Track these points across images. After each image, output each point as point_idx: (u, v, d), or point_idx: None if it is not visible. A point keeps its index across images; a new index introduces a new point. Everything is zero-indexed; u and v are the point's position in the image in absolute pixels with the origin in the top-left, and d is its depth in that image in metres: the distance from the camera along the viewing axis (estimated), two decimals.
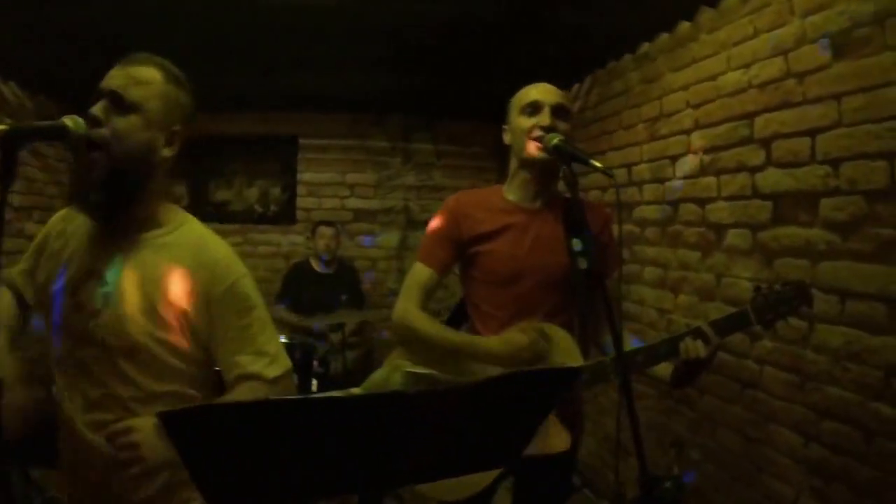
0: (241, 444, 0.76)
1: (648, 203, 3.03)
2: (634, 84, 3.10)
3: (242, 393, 1.24)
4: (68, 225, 1.33)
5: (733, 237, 2.41)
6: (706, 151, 2.56)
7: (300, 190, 5.17)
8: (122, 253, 1.24)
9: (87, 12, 2.83)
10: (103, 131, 1.15)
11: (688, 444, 2.57)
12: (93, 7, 2.77)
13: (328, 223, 4.49)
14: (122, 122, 1.17)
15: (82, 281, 1.24)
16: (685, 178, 2.70)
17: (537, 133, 1.61)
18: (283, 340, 3.59)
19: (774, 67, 2.13)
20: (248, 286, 1.29)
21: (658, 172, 2.92)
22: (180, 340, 1.24)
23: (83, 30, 3.03)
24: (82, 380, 1.22)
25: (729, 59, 2.37)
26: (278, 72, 3.90)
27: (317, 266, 4.35)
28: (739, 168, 2.36)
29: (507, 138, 1.75)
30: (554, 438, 1.53)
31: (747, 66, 2.26)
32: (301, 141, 5.14)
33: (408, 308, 1.70)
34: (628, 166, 3.19)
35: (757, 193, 2.27)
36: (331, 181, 5.19)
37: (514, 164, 1.75)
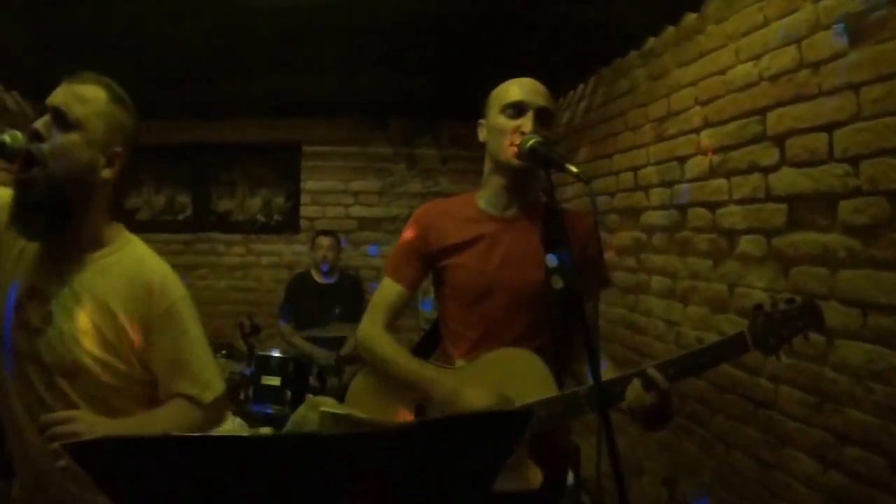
0: (145, 477, 0.72)
1: (655, 208, 2.85)
2: (641, 82, 2.93)
3: (172, 410, 1.25)
4: (25, 243, 1.30)
5: (746, 244, 2.23)
6: (716, 151, 2.38)
7: (303, 198, 5.07)
8: (66, 273, 1.23)
9: (88, 21, 2.79)
10: (44, 146, 1.15)
11: (695, 468, 2.38)
12: (94, 16, 2.73)
13: (327, 232, 4.38)
14: (63, 139, 1.16)
15: (27, 298, 1.23)
16: (693, 180, 2.52)
17: (517, 139, 1.45)
18: (277, 354, 3.48)
19: (787, 57, 1.95)
20: (185, 308, 1.28)
21: (665, 175, 2.75)
22: (120, 361, 1.23)
23: (84, 39, 2.98)
24: (27, 394, 1.22)
25: (738, 50, 2.19)
26: (275, 77, 3.83)
27: (318, 277, 4.23)
28: (752, 168, 2.18)
29: (482, 135, 1.58)
30: (523, 475, 1.37)
31: (758, 57, 2.09)
32: (304, 148, 5.04)
33: (369, 328, 1.57)
34: (634, 170, 3.02)
35: (771, 196, 2.09)
36: (334, 189, 5.08)
37: (488, 165, 1.58)
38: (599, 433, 1.14)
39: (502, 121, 1.49)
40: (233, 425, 3.18)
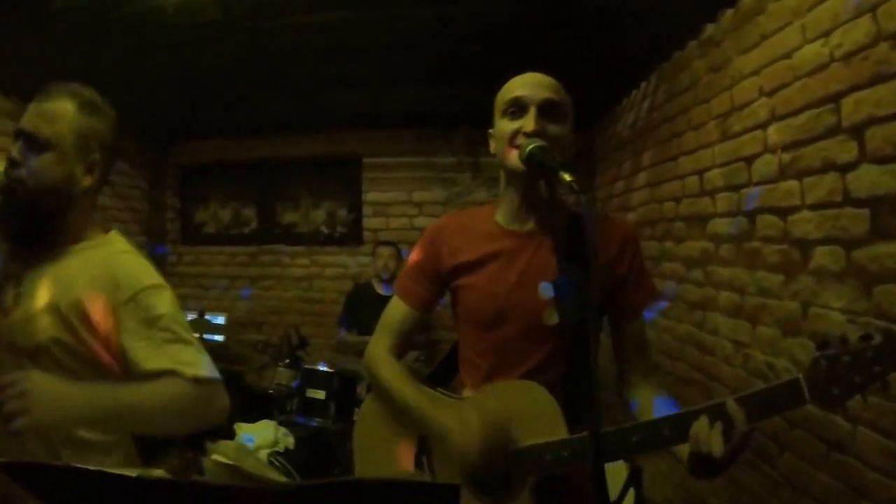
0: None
1: (722, 215, 2.52)
2: (701, 74, 2.61)
3: (155, 382, 1.18)
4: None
5: (821, 256, 1.88)
6: (785, 148, 2.04)
7: (366, 210, 5.06)
8: (43, 260, 1.27)
9: (149, 45, 2.90)
10: (21, 172, 1.21)
11: None
12: (156, 40, 2.83)
13: (388, 243, 4.35)
14: (37, 161, 1.21)
15: (4, 281, 1.28)
16: (762, 183, 2.19)
17: (519, 140, 1.27)
18: (323, 368, 3.44)
19: (861, 31, 1.62)
20: (156, 298, 1.25)
21: (732, 178, 2.41)
22: (78, 343, 1.22)
23: (145, 65, 3.12)
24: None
25: (804, 28, 1.87)
26: (334, 92, 3.83)
27: (378, 288, 4.20)
28: (826, 167, 1.84)
29: (492, 146, 1.40)
30: None
31: (827, 34, 1.76)
32: (364, 160, 5.03)
33: (373, 349, 1.46)
34: (700, 173, 2.70)
35: (849, 199, 1.75)
36: (397, 200, 5.03)
37: (502, 176, 1.40)
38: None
39: (504, 124, 1.31)
40: (276, 434, 3.15)
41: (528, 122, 1.26)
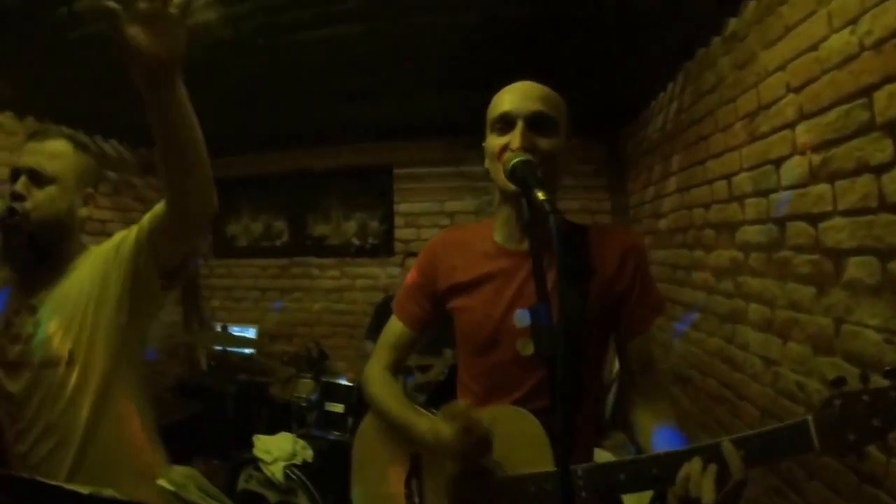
0: None
1: (752, 222, 2.33)
2: (727, 73, 2.44)
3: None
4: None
5: (856, 268, 1.70)
6: (815, 149, 1.87)
7: (397, 221, 5.02)
8: (51, 284, 1.35)
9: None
10: (26, 205, 1.29)
11: None
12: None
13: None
14: (41, 194, 1.31)
15: (15, 315, 1.33)
16: (791, 187, 2.01)
17: (506, 156, 1.19)
18: (342, 382, 3.41)
19: (891, 15, 1.45)
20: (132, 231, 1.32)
21: (761, 183, 2.23)
22: (91, 355, 1.28)
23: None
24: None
25: (830, 16, 1.70)
26: (363, 103, 3.83)
27: None
28: (860, 168, 1.66)
29: (486, 162, 1.31)
30: None
31: (854, 20, 1.59)
32: (395, 171, 5.00)
33: (370, 368, 1.45)
34: (728, 177, 2.52)
35: (885, 204, 1.57)
36: (428, 210, 4.97)
37: (496, 193, 1.33)
38: None
39: (492, 139, 1.25)
40: (294, 447, 3.12)
41: (515, 139, 1.19)
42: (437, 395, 3.39)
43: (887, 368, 0.90)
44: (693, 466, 0.97)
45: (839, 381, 0.94)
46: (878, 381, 0.91)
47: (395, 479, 1.34)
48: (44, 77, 3.03)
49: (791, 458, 0.95)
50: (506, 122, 1.21)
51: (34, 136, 1.37)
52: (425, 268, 1.39)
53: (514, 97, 1.23)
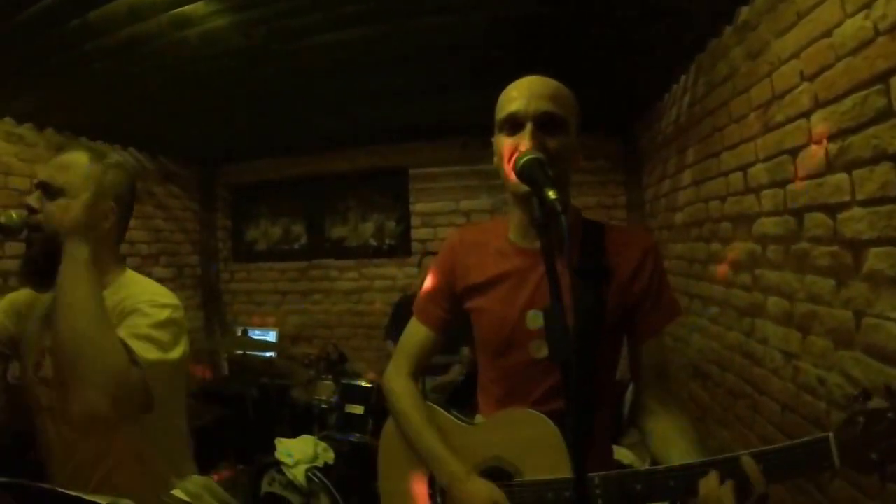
0: None
1: (769, 214, 2.29)
2: (739, 62, 2.39)
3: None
4: (26, 309, 1.43)
5: (875, 259, 1.66)
6: (831, 137, 1.82)
7: (414, 221, 5.04)
8: None
9: (180, 77, 2.99)
10: (38, 217, 1.29)
11: None
12: (185, 70, 2.91)
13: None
14: (52, 206, 1.28)
15: (41, 357, 1.32)
16: (808, 178, 1.96)
17: (516, 157, 1.16)
18: (361, 383, 3.42)
19: None
20: (150, 308, 1.26)
21: (777, 173, 2.19)
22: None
23: (187, 92, 3.21)
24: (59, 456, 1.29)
25: (843, 1, 1.66)
26: (377, 106, 3.84)
27: None
28: (878, 157, 1.62)
29: (495, 160, 1.30)
30: None
31: (868, 5, 1.55)
32: (410, 171, 5.01)
33: (392, 374, 1.43)
34: (744, 169, 2.47)
35: None
36: (444, 210, 4.98)
37: (508, 192, 1.30)
38: None
39: (501, 139, 1.23)
40: (315, 449, 3.15)
41: (524, 141, 1.16)
42: (456, 396, 3.38)
43: None
44: (710, 481, 0.95)
45: (864, 396, 0.91)
46: None
47: (419, 477, 1.34)
48: (62, 89, 3.09)
49: (811, 474, 0.94)
50: (514, 124, 1.19)
51: (57, 151, 1.37)
52: (444, 269, 1.38)
53: (521, 96, 1.19)
